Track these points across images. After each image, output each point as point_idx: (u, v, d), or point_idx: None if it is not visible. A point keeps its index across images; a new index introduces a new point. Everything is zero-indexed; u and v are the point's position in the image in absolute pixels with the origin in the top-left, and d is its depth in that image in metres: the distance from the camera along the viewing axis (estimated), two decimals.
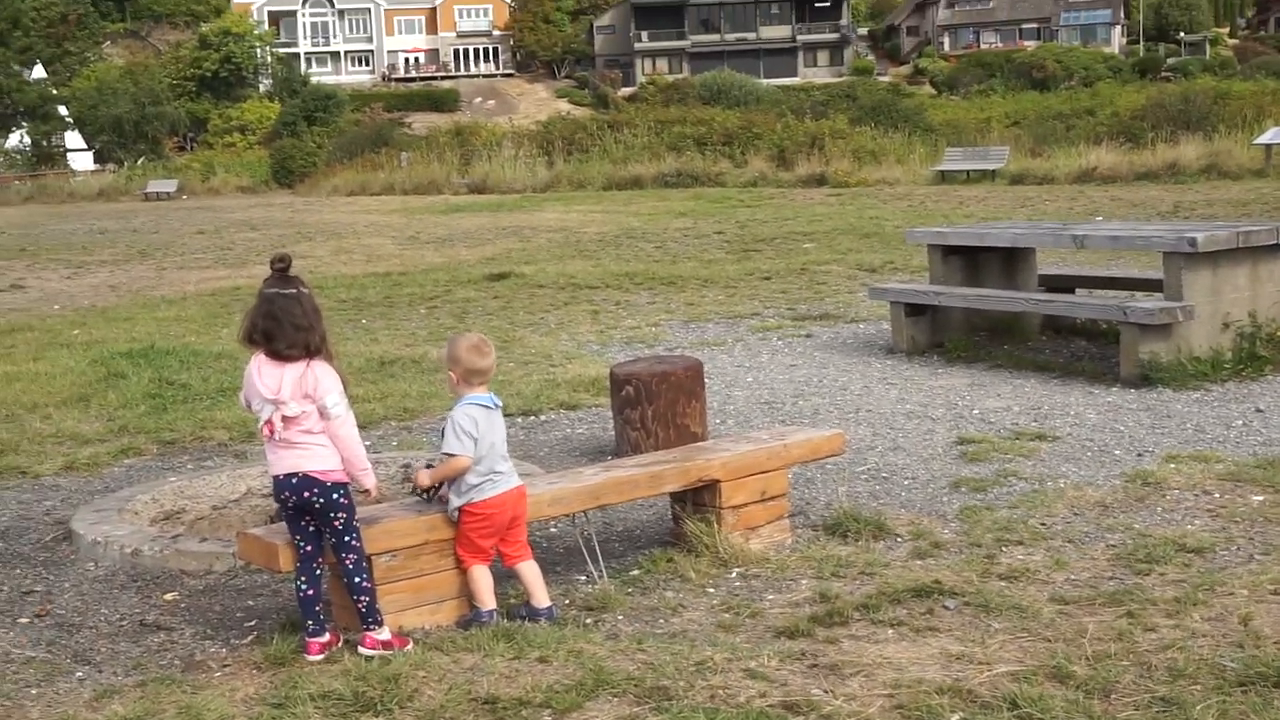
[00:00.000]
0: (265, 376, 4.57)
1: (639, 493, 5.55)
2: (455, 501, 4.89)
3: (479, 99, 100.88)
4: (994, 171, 33.24)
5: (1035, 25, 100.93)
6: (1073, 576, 5.18)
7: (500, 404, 5.00)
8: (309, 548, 4.68)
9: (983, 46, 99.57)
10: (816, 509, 6.27)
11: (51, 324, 14.24)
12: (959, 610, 4.84)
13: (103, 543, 6.01)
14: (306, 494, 4.59)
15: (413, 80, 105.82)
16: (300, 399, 4.56)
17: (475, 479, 4.86)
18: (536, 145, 44.42)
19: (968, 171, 33.89)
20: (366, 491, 4.78)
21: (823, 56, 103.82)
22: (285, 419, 4.56)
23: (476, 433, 4.83)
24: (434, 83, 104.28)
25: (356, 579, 4.64)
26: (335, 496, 4.63)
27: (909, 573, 5.26)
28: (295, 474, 4.59)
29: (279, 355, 4.57)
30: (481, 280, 16.56)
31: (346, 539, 4.65)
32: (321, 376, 4.60)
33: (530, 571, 5.00)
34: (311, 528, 4.67)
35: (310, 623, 4.65)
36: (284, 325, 4.55)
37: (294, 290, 4.62)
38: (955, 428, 7.85)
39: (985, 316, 10.52)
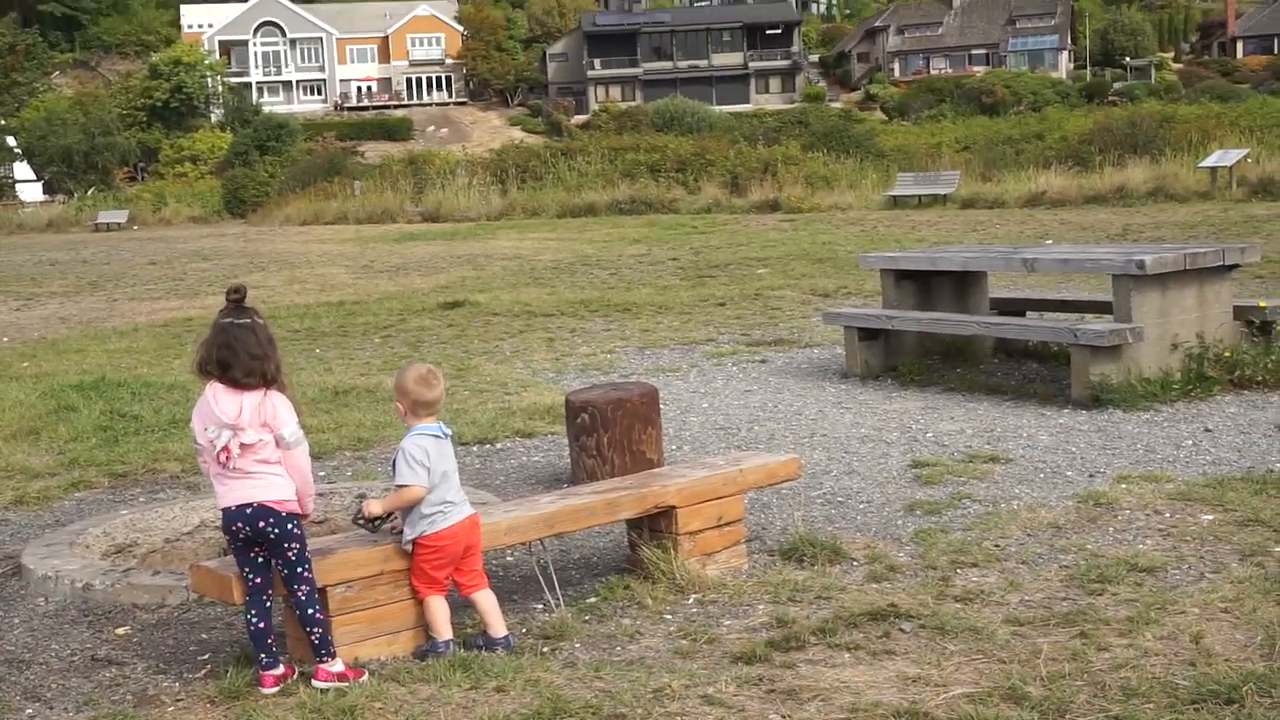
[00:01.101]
0: (223, 403, 4.55)
1: (595, 520, 5.55)
2: (408, 534, 4.87)
3: (432, 127, 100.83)
4: (945, 196, 33.50)
5: (984, 51, 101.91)
6: (1027, 597, 5.21)
7: (450, 433, 4.99)
8: (259, 580, 4.64)
9: (933, 72, 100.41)
10: (773, 534, 6.28)
11: (1, 356, 14.10)
12: (915, 633, 4.86)
13: (53, 577, 5.95)
14: (261, 524, 4.56)
15: (365, 109, 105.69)
16: (258, 427, 4.55)
17: (428, 509, 4.84)
18: (490, 173, 44.41)
19: (919, 196, 34.15)
20: (305, 516, 4.75)
21: (775, 83, 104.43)
22: (243, 446, 4.53)
23: (429, 462, 4.82)
24: (387, 111, 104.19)
25: (309, 610, 4.61)
26: (290, 527, 4.60)
27: (865, 596, 5.28)
28: (249, 504, 4.56)
29: (236, 384, 4.55)
30: (436, 309, 16.53)
31: (299, 570, 4.62)
32: (279, 406, 4.59)
33: (486, 601, 4.98)
34: (261, 559, 4.63)
35: (263, 656, 4.61)
36: (239, 354, 4.54)
37: (248, 320, 4.61)
38: (909, 451, 7.89)
39: (938, 340, 10.59)
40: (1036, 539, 6.00)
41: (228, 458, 4.55)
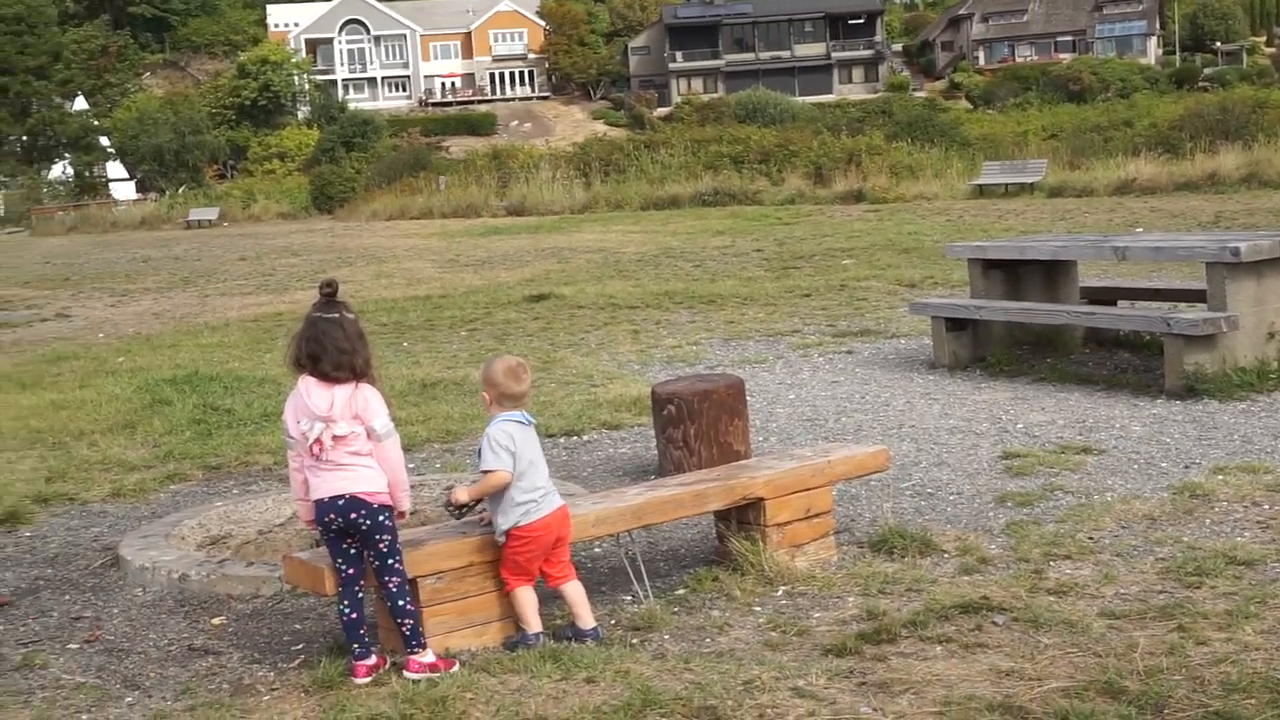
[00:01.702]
0: (315, 396, 4.60)
1: (683, 512, 5.54)
2: (502, 524, 4.88)
3: (515, 122, 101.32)
4: (1032, 185, 33.08)
5: (1070, 38, 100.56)
6: (1122, 590, 5.14)
7: (534, 421, 5.00)
8: (351, 571, 4.69)
9: (1018, 60, 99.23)
10: (861, 526, 6.24)
11: (97, 352, 14.36)
12: (1008, 626, 4.80)
13: (150, 568, 6.05)
14: (354, 515, 4.60)
15: (449, 105, 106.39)
16: (350, 419, 4.59)
17: (521, 498, 4.85)
18: (573, 167, 44.51)
19: (1006, 185, 33.75)
20: (401, 514, 4.79)
21: (857, 73, 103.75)
22: (335, 438, 4.58)
23: (513, 447, 4.84)
24: (470, 107, 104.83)
25: (400, 602, 4.65)
26: (382, 519, 4.64)
27: (956, 589, 5.23)
28: (342, 496, 4.61)
29: (326, 376, 4.60)
30: (521, 302, 16.60)
31: (390, 561, 4.66)
32: (370, 398, 4.64)
33: (575, 592, 4.99)
34: (353, 550, 4.68)
35: (355, 646, 4.66)
36: (328, 348, 4.60)
37: (337, 314, 4.66)
38: (999, 442, 7.80)
39: (1027, 330, 10.46)
40: (1131, 531, 5.91)
41: (320, 449, 4.60)
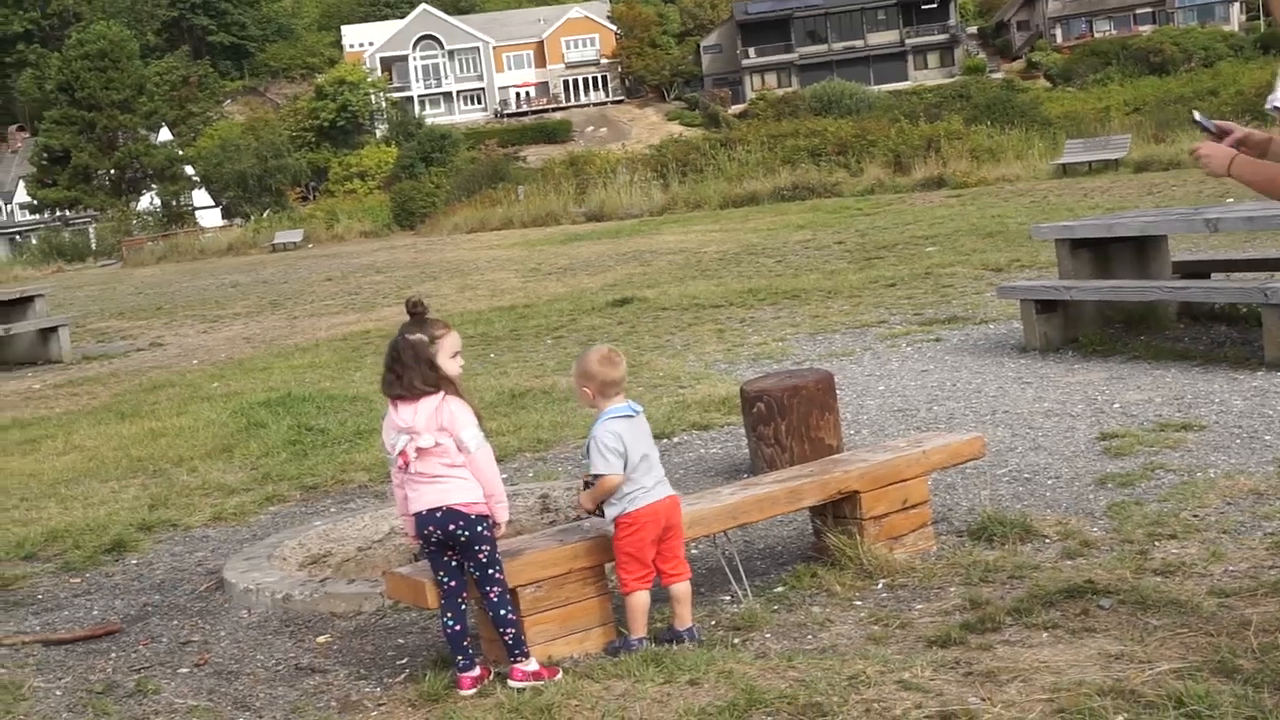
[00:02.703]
0: (401, 411, 4.67)
1: (778, 509, 5.52)
2: (610, 512, 4.89)
3: (591, 128, 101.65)
4: (1117, 161, 32.61)
5: (1150, 9, 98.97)
6: (1231, 568, 5.04)
7: (641, 410, 4.97)
8: (453, 583, 4.71)
9: (1096, 35, 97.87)
10: (959, 515, 6.18)
11: (191, 378, 14.59)
12: (1114, 609, 4.73)
13: (254, 590, 6.12)
14: (452, 527, 4.63)
15: (524, 114, 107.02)
16: (435, 431, 4.63)
17: (629, 487, 4.85)
18: (650, 169, 44.60)
19: (1090, 163, 33.30)
20: (498, 525, 4.81)
21: (933, 58, 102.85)
22: (420, 450, 4.62)
23: (622, 447, 4.83)
24: (546, 115, 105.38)
25: (502, 611, 4.67)
26: (480, 529, 4.67)
27: (1060, 574, 5.16)
28: (439, 508, 4.64)
29: (406, 395, 4.66)
30: (605, 307, 16.63)
31: (490, 571, 4.68)
32: (457, 411, 4.67)
33: (682, 591, 4.97)
34: (454, 563, 4.71)
35: (460, 658, 4.68)
36: (388, 371, 4.72)
37: (399, 336, 4.76)
38: (1096, 423, 7.69)
39: (1119, 308, 10.31)
40: (1237, 507, 5.80)
41: (406, 462, 4.64)
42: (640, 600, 4.89)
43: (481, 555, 4.67)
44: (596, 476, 4.85)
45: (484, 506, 4.70)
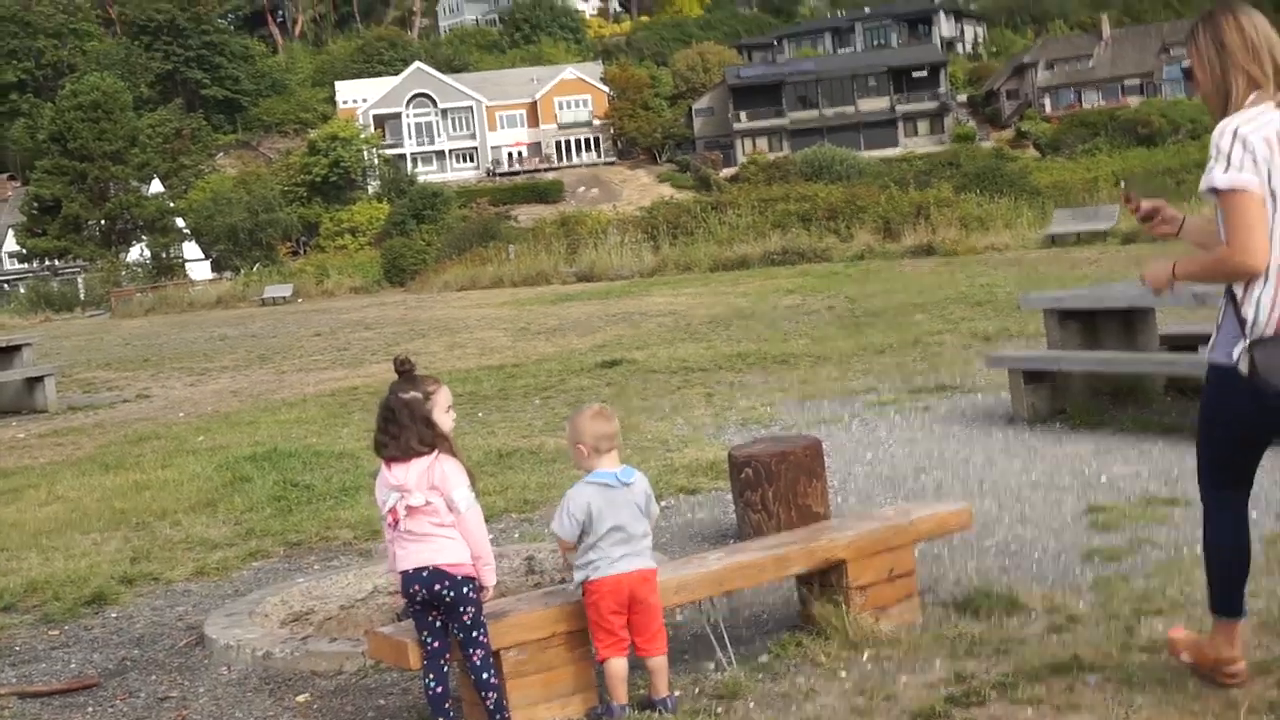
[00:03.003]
0: (394, 469, 4.66)
1: (764, 576, 5.50)
2: (576, 577, 4.89)
3: (582, 188, 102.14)
4: (1105, 232, 32.82)
5: (1138, 81, 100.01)
6: None
7: (631, 480, 4.94)
8: (436, 644, 4.68)
9: (1085, 106, 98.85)
10: (946, 586, 6.16)
11: (177, 431, 14.54)
12: (1100, 686, 4.70)
13: (235, 646, 6.08)
14: (437, 587, 4.61)
15: (517, 174, 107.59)
16: (427, 489, 4.62)
17: (593, 555, 4.84)
18: (641, 231, 44.79)
19: (1078, 233, 33.50)
20: (484, 589, 4.78)
21: (923, 126, 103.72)
22: (410, 508, 4.61)
23: (584, 515, 4.83)
24: (538, 175, 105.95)
25: (484, 674, 4.64)
26: (465, 590, 4.65)
27: (1046, 648, 5.14)
28: (425, 568, 4.62)
29: (398, 454, 4.65)
30: (594, 368, 16.64)
31: (475, 634, 4.66)
32: (449, 471, 4.67)
33: (657, 664, 4.94)
34: (438, 623, 4.68)
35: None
36: (381, 432, 4.71)
37: (391, 395, 4.76)
38: (1084, 496, 7.68)
39: (1107, 380, 10.33)
40: None
41: (396, 520, 4.63)
42: (615, 667, 4.86)
43: (466, 617, 4.64)
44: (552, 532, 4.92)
45: (470, 568, 4.68)
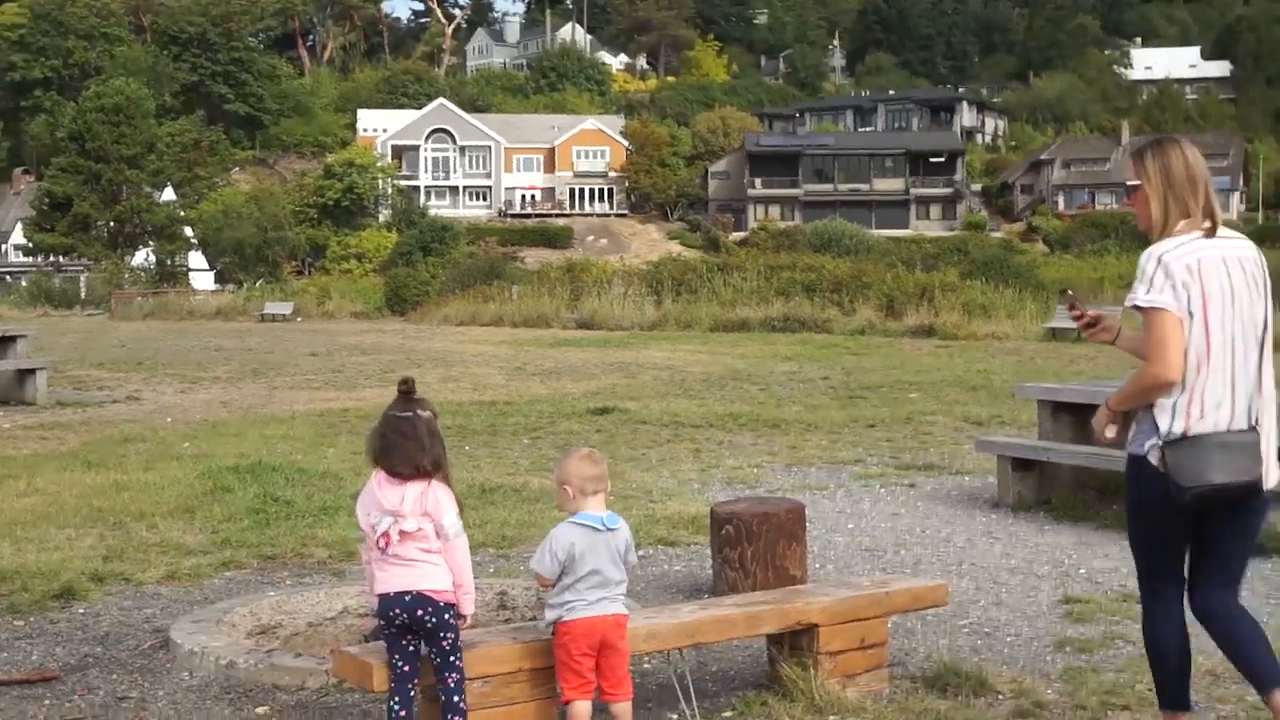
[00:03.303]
0: (386, 491, 4.64)
1: (735, 632, 5.48)
2: (547, 616, 4.88)
3: (591, 237, 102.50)
4: None
5: None
6: None
7: (616, 527, 4.95)
8: (406, 668, 4.66)
9: (1098, 207, 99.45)
10: (916, 660, 6.14)
11: (163, 436, 14.51)
12: None
13: (199, 653, 6.04)
14: (420, 612, 4.60)
15: (528, 216, 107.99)
16: (419, 516, 4.62)
17: (570, 596, 4.84)
18: (646, 284, 44.87)
19: (1079, 330, 33.56)
20: (462, 617, 4.77)
21: (935, 210, 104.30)
22: (402, 533, 4.60)
23: (562, 557, 4.84)
24: (549, 220, 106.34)
25: (455, 699, 4.63)
26: (447, 616, 4.65)
27: None
28: (409, 592, 4.61)
29: (395, 473, 4.64)
30: (585, 414, 16.63)
31: (451, 659, 4.65)
32: (441, 498, 4.67)
33: (621, 711, 4.92)
34: (411, 648, 4.66)
35: None
36: (398, 445, 4.65)
37: (410, 413, 4.71)
38: (1060, 586, 7.67)
39: (1094, 475, 10.33)
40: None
41: (387, 543, 4.62)
42: (579, 710, 4.84)
43: (445, 643, 4.64)
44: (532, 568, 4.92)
45: (452, 595, 4.67)
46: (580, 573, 4.83)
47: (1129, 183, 4.84)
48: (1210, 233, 4.69)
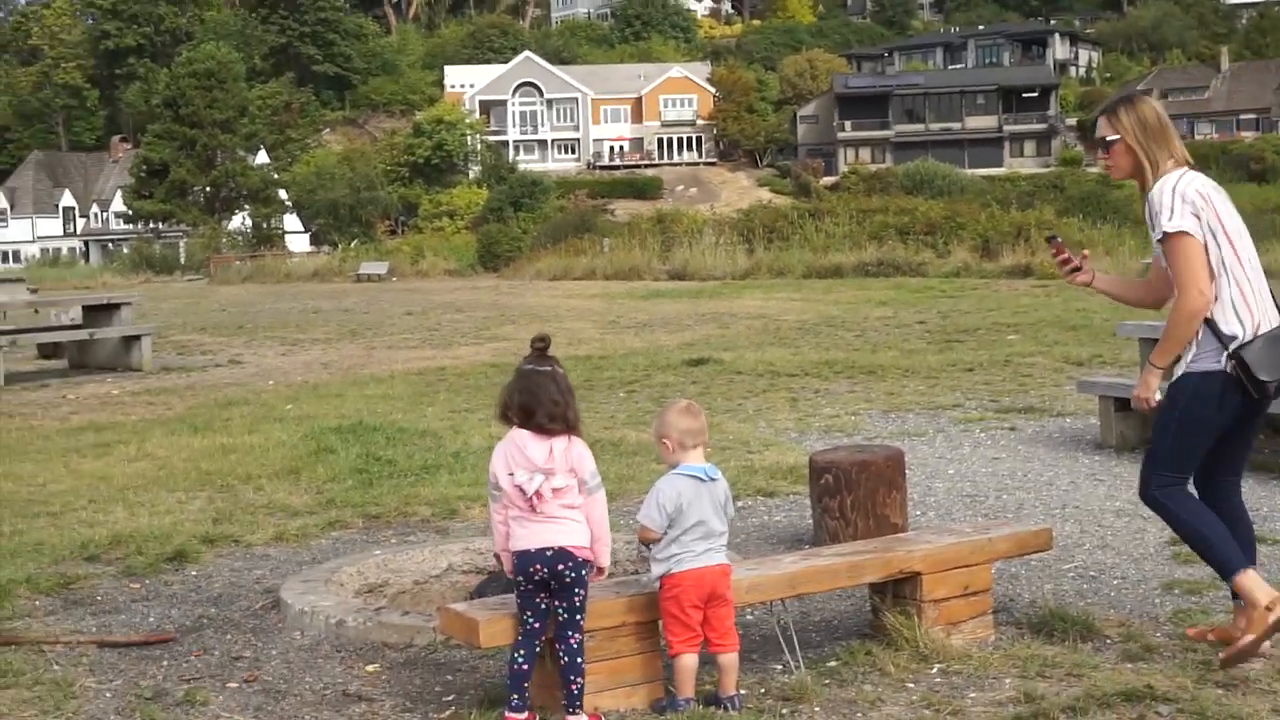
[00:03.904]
0: (533, 449, 4.68)
1: (838, 582, 5.48)
2: (654, 570, 4.90)
3: (681, 186, 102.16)
4: None
5: (1254, 115, 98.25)
6: None
7: (718, 477, 4.97)
8: (536, 624, 4.71)
9: (1198, 137, 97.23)
10: (1020, 606, 6.10)
11: (266, 399, 14.75)
12: (1172, 717, 4.64)
13: (309, 612, 6.16)
14: (560, 567, 4.64)
15: (616, 168, 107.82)
16: (565, 471, 4.66)
17: (676, 549, 4.86)
18: (737, 233, 44.68)
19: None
20: (600, 570, 4.81)
21: (1029, 147, 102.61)
22: (554, 490, 4.64)
23: (670, 508, 4.85)
24: (637, 170, 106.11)
25: (578, 659, 4.68)
26: (584, 572, 4.71)
27: (1119, 675, 5.07)
28: (550, 548, 4.65)
29: (541, 429, 4.67)
30: (680, 365, 16.64)
31: (577, 618, 4.71)
32: (583, 452, 4.73)
33: (728, 661, 4.93)
34: (543, 605, 4.70)
35: (514, 697, 4.67)
36: (542, 400, 4.69)
37: (549, 368, 4.75)
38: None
39: None
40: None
41: (540, 501, 4.65)
42: (686, 662, 4.87)
43: (576, 599, 4.69)
44: (639, 521, 4.92)
45: (589, 551, 4.72)
46: (687, 524, 4.85)
47: (1107, 138, 5.27)
48: (1194, 169, 5.22)
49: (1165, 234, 5.07)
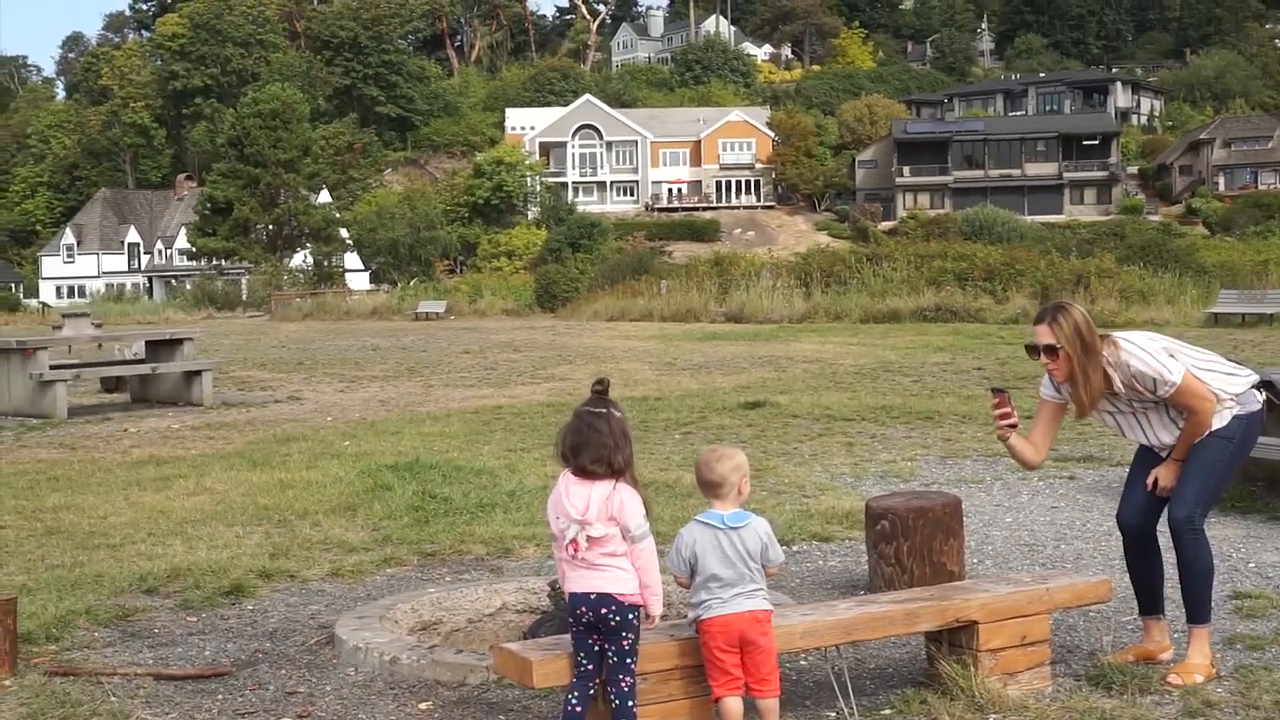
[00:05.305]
0: (573, 496, 4.70)
1: (893, 630, 5.44)
2: (689, 615, 4.92)
3: (739, 229, 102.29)
4: (1271, 316, 31.92)
5: None
6: None
7: (740, 524, 4.93)
8: (590, 666, 4.72)
9: (1260, 187, 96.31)
10: (1079, 658, 6.03)
11: (324, 435, 14.85)
12: None
13: (363, 649, 6.18)
14: (604, 610, 4.66)
15: (675, 210, 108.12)
16: (605, 520, 4.66)
17: (703, 595, 4.89)
18: (794, 276, 44.66)
19: (1243, 315, 32.63)
20: (650, 618, 4.81)
21: (1090, 194, 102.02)
22: (590, 539, 4.65)
23: (688, 554, 4.92)
24: (695, 213, 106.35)
25: (629, 703, 4.68)
26: (630, 617, 4.70)
27: None
28: (594, 593, 4.67)
29: (584, 472, 4.69)
30: (736, 408, 16.62)
31: (627, 661, 4.70)
32: (627, 500, 4.70)
33: (767, 707, 4.89)
34: (596, 647, 4.71)
35: None
36: (590, 442, 4.69)
37: (604, 410, 4.75)
38: (1229, 581, 7.47)
39: (1262, 466, 10.03)
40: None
41: (576, 550, 4.68)
42: (730, 705, 4.84)
43: (625, 642, 4.69)
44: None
45: (638, 597, 4.72)
46: (706, 573, 4.88)
47: (1051, 345, 5.81)
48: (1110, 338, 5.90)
49: (1176, 385, 5.68)
